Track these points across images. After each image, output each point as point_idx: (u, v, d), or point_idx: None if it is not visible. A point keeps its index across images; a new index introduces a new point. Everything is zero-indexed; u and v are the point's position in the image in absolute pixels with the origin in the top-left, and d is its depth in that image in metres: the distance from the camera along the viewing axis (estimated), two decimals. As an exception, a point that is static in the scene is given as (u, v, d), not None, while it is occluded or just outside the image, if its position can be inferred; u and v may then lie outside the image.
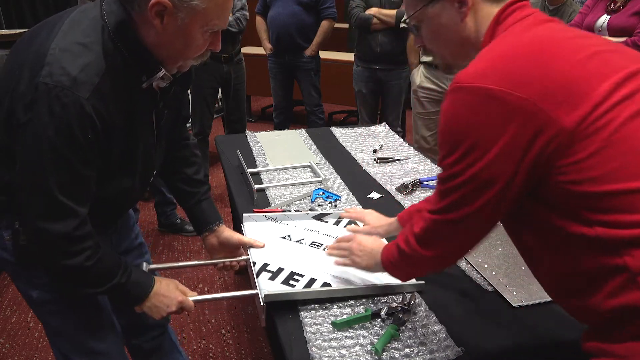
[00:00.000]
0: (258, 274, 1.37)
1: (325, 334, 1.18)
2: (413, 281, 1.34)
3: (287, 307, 1.27)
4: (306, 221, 1.68)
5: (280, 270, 1.40)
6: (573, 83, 0.77)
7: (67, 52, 0.98)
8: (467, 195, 0.86)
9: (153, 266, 1.46)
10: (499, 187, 0.82)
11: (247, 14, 3.33)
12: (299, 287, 1.33)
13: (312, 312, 1.26)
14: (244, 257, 1.51)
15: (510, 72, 0.78)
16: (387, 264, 1.16)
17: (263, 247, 1.50)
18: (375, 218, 1.51)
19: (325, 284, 1.34)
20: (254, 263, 1.42)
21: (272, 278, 1.36)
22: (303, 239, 1.57)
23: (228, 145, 2.43)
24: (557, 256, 0.87)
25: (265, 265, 1.42)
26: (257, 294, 1.30)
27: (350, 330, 1.20)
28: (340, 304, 1.29)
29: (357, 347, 1.14)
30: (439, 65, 2.96)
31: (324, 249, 1.50)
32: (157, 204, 3.22)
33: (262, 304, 1.25)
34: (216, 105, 3.79)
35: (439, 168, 2.25)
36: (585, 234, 0.79)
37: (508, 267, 1.44)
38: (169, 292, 1.25)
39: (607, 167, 0.77)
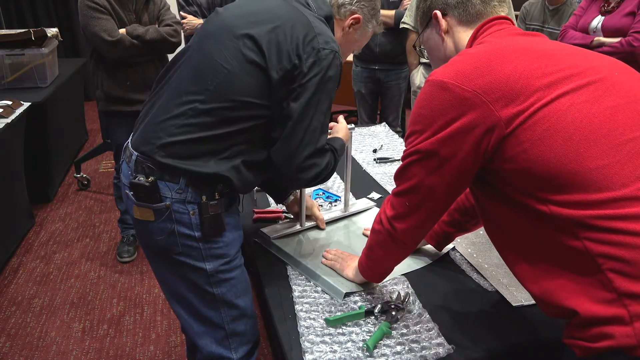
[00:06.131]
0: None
1: (319, 329, 1.19)
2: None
3: (286, 306, 1.29)
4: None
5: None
6: (514, 80, 0.88)
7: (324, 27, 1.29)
8: (421, 167, 1.00)
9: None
10: (447, 164, 0.96)
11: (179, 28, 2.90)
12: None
13: (307, 305, 1.28)
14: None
15: (463, 70, 0.92)
16: (361, 258, 1.30)
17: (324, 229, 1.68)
18: None
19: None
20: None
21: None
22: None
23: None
24: (524, 232, 0.94)
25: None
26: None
27: (343, 327, 1.20)
28: (334, 301, 1.30)
29: (350, 344, 1.15)
30: None
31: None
32: None
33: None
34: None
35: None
36: (543, 211, 0.88)
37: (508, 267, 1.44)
38: None
39: (548, 154, 0.85)
